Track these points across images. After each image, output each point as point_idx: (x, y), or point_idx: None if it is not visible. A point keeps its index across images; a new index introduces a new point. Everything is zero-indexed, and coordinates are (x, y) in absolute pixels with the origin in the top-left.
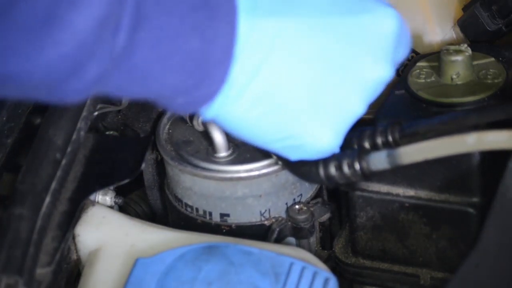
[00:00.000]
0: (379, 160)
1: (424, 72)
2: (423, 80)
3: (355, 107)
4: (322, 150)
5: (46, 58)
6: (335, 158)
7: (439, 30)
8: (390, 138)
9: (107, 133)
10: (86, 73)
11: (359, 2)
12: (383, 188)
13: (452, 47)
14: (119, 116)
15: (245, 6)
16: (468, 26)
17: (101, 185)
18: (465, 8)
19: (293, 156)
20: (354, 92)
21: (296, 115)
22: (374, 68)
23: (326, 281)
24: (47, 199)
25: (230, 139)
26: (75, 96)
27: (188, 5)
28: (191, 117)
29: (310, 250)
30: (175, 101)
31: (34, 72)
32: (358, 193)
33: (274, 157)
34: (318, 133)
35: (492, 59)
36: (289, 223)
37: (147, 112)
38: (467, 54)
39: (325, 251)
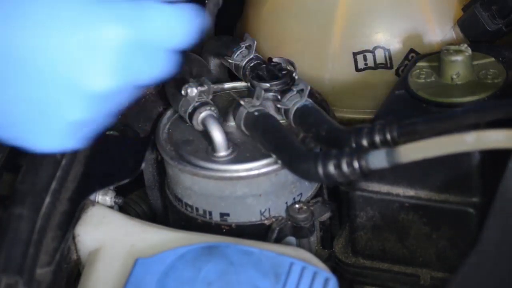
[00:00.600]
0: (378, 159)
1: (424, 72)
2: (423, 80)
3: (76, 115)
4: (44, 151)
5: None
6: (334, 156)
7: (439, 30)
8: (388, 137)
9: (107, 133)
10: None
11: (82, 15)
12: (383, 188)
13: (452, 47)
14: (119, 116)
15: None
16: (468, 26)
17: (101, 185)
18: (465, 8)
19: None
20: (72, 102)
21: (11, 122)
22: (94, 80)
23: (326, 281)
24: (47, 199)
25: (230, 138)
26: None
27: None
28: (191, 116)
29: (310, 249)
30: None
31: None
32: (358, 193)
33: (274, 156)
34: (34, 140)
35: (492, 59)
36: (289, 222)
37: (147, 112)
38: (467, 54)
39: (326, 251)
